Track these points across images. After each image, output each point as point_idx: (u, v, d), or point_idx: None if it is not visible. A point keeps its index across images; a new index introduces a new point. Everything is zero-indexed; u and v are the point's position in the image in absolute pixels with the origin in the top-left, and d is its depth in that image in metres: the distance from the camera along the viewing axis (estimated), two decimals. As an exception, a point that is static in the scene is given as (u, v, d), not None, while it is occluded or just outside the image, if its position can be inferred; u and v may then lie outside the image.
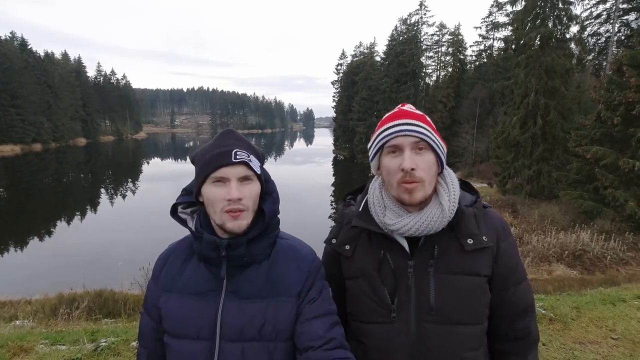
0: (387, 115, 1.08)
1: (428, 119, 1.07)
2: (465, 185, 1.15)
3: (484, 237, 1.02)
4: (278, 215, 1.08)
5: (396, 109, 1.08)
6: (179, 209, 1.06)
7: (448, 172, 1.09)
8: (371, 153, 1.09)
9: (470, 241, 1.02)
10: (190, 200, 1.06)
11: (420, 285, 1.03)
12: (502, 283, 1.06)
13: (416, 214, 1.02)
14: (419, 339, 1.02)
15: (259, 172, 1.00)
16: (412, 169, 0.98)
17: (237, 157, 0.96)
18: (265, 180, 1.05)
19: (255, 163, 0.99)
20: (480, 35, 36.56)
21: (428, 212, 1.01)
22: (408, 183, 0.99)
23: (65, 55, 71.39)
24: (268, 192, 1.06)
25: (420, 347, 1.02)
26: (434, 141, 1.01)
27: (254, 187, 0.99)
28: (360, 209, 1.12)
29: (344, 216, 1.17)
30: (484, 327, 1.07)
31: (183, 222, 1.05)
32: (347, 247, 1.12)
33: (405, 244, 1.05)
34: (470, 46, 38.51)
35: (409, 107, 1.08)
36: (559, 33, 17.64)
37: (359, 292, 1.09)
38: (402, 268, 1.04)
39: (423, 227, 1.00)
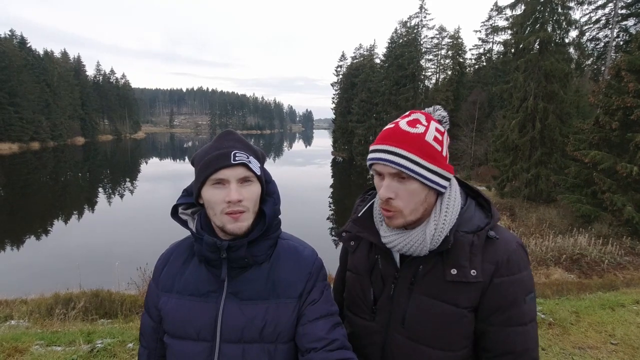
0: (384, 129, 1.01)
1: (430, 138, 0.93)
2: (486, 203, 1.04)
3: (472, 271, 0.94)
4: (279, 216, 1.06)
5: (392, 124, 0.99)
6: (180, 209, 1.05)
7: (449, 195, 0.99)
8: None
9: (453, 272, 0.95)
10: (190, 202, 1.04)
11: (399, 298, 1.03)
12: (487, 318, 0.97)
13: (404, 233, 0.99)
14: (388, 345, 1.05)
15: (258, 173, 0.98)
16: (389, 198, 0.95)
17: (236, 158, 0.94)
18: (266, 181, 1.04)
19: (254, 164, 0.97)
20: (479, 38, 36.79)
21: (413, 235, 0.97)
22: (386, 210, 0.98)
23: (64, 54, 71.35)
24: (269, 193, 1.05)
25: (389, 352, 1.05)
26: (416, 172, 0.92)
27: (254, 189, 0.98)
28: (360, 214, 1.12)
29: (356, 212, 1.17)
30: (458, 354, 1.00)
31: (184, 223, 1.04)
32: (352, 243, 1.16)
33: (397, 255, 1.06)
34: (470, 49, 38.54)
35: (407, 121, 0.96)
36: (558, 37, 17.72)
37: (352, 286, 1.15)
38: (389, 277, 1.06)
39: (406, 247, 0.98)
